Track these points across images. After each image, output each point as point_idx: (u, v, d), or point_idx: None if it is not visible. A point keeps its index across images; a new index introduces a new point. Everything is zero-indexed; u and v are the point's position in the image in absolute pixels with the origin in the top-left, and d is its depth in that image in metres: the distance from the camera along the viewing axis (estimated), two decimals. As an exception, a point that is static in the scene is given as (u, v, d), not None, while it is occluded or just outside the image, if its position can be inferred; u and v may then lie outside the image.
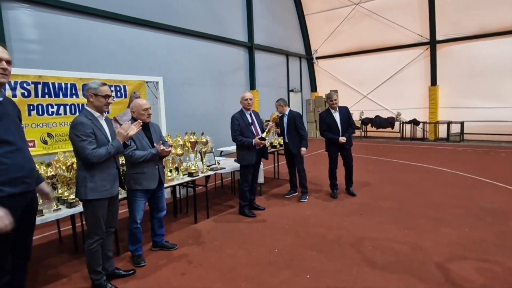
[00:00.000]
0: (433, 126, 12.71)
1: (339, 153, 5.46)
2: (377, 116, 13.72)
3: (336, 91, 5.41)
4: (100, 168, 2.70)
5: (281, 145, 6.46)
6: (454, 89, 12.45)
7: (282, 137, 5.84)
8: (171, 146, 3.79)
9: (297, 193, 5.75)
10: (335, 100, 5.26)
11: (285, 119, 5.47)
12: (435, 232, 4.00)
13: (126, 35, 7.94)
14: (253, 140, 4.58)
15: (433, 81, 12.78)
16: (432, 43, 12.66)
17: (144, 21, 8.27)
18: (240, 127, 4.60)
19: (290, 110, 5.53)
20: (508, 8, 10.97)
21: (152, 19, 8.47)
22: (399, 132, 13.30)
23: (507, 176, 6.54)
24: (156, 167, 3.41)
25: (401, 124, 13.24)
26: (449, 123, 12.21)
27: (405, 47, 13.40)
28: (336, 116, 5.33)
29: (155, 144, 3.36)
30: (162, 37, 8.89)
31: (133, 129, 2.89)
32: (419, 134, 13.13)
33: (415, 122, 12.98)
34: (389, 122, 13.34)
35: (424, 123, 12.97)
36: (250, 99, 4.68)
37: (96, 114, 2.75)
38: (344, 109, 5.41)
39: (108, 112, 4.77)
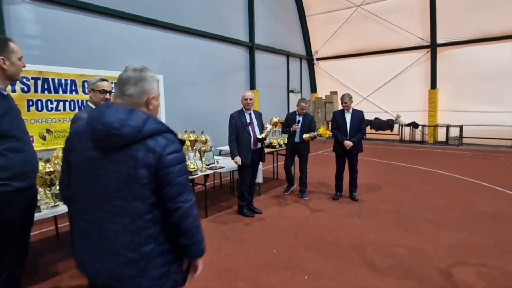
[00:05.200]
0: (432, 129, 12.72)
1: (346, 156, 5.44)
2: (376, 118, 13.73)
3: (348, 94, 5.42)
4: None
5: (280, 146, 6.45)
6: (453, 92, 12.48)
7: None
8: None
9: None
10: (346, 102, 5.32)
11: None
12: (434, 235, 4.00)
13: (127, 33, 7.92)
14: (235, 158, 4.56)
15: (433, 84, 12.80)
16: (433, 47, 12.68)
17: (146, 19, 8.25)
18: (237, 127, 4.59)
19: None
20: (509, 13, 11.00)
21: (154, 17, 8.45)
22: (398, 134, 13.31)
23: (506, 181, 6.54)
24: None
25: (400, 127, 13.26)
26: (448, 127, 12.24)
27: (406, 50, 13.42)
28: (348, 117, 5.35)
29: None
30: (164, 35, 8.87)
31: None
32: (418, 137, 13.15)
33: (414, 125, 13.00)
34: (388, 125, 13.34)
35: (423, 126, 12.98)
36: (250, 99, 4.64)
37: None
38: (358, 112, 5.41)
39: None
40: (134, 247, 1.37)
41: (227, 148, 4.95)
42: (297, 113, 5.54)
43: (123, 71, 1.51)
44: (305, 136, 5.31)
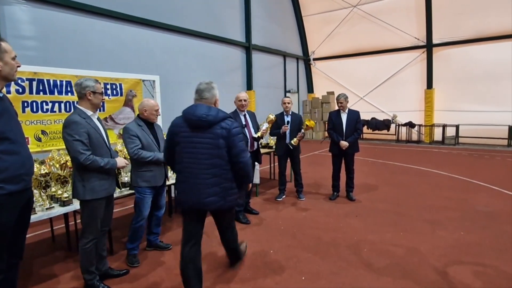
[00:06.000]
0: (428, 129, 12.78)
1: (342, 156, 5.43)
2: (373, 118, 13.77)
3: (344, 94, 5.41)
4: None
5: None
6: (449, 92, 12.54)
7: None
8: None
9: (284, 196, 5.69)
10: (341, 102, 5.30)
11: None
12: (431, 235, 4.01)
13: (123, 33, 7.89)
14: None
15: (429, 84, 12.86)
16: (429, 46, 12.75)
17: (141, 19, 8.23)
18: None
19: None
20: (505, 13, 11.07)
21: (149, 17, 8.42)
22: (395, 134, 13.36)
23: (502, 180, 6.58)
24: (163, 164, 3.46)
25: (397, 127, 13.30)
26: (444, 126, 12.29)
27: (402, 50, 13.48)
28: (344, 117, 5.34)
29: None
30: (159, 35, 8.85)
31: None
32: (414, 136, 13.21)
33: (410, 125, 13.04)
34: (385, 125, 13.39)
35: (420, 125, 13.03)
36: (245, 100, 4.57)
37: (89, 113, 2.69)
38: (354, 112, 5.39)
39: (103, 110, 4.75)
40: (218, 185, 2.42)
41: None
42: (284, 113, 5.39)
43: (199, 84, 2.51)
44: (294, 140, 5.18)
